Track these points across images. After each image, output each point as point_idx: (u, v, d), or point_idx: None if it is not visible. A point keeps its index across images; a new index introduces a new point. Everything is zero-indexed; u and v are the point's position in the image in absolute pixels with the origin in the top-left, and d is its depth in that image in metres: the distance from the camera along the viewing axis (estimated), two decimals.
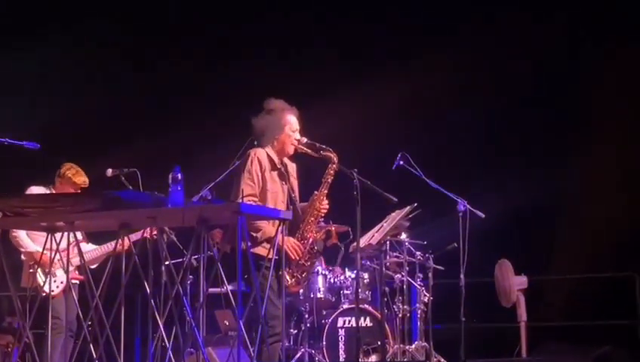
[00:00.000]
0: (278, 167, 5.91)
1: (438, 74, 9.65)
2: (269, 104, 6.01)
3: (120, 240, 5.44)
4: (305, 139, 5.97)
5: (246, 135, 6.05)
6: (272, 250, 5.40)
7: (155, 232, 5.41)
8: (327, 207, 5.99)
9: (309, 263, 5.93)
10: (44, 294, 6.25)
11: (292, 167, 6.08)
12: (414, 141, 8.75)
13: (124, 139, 9.28)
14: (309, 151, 5.96)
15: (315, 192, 5.97)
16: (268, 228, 5.71)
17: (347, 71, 9.73)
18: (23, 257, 6.62)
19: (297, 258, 5.81)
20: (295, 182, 6.07)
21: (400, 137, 9.21)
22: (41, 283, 6.39)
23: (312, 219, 5.94)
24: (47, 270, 6.20)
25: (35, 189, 6.67)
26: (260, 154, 5.87)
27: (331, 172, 5.94)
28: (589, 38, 9.72)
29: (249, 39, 9.95)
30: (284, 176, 5.92)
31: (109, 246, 6.70)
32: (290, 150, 5.98)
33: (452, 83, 9.80)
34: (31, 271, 6.43)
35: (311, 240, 5.92)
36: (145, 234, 5.58)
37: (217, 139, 8.39)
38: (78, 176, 6.76)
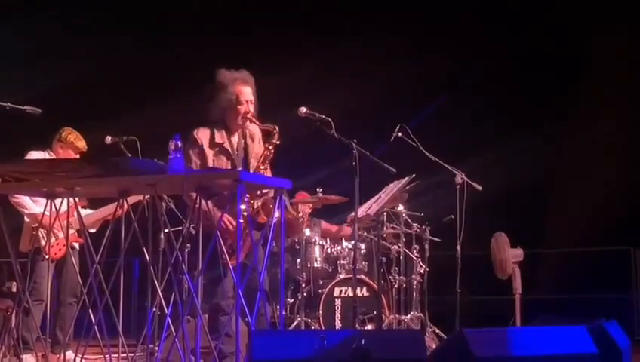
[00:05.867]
0: (219, 142, 5.74)
1: (436, 48, 9.69)
2: (219, 76, 5.81)
3: (119, 203, 5.43)
4: (249, 109, 5.77)
5: None
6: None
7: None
8: None
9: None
10: (46, 256, 6.29)
11: (254, 134, 5.90)
12: (412, 113, 8.78)
13: (124, 107, 9.28)
14: (256, 123, 5.75)
15: (261, 167, 5.77)
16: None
17: (350, 44, 9.76)
18: (26, 219, 6.61)
19: (231, 232, 5.52)
20: (258, 147, 5.88)
21: (398, 109, 9.23)
22: (43, 244, 6.43)
23: (251, 194, 5.68)
24: (47, 234, 6.22)
25: (35, 154, 6.64)
26: (199, 133, 5.73)
27: (270, 146, 5.72)
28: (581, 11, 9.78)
29: (248, 10, 9.98)
30: (227, 153, 5.77)
31: (107, 210, 6.71)
32: (240, 122, 5.80)
33: (449, 58, 9.83)
34: (34, 233, 6.43)
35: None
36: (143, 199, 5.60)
37: None
38: (79, 141, 6.78)
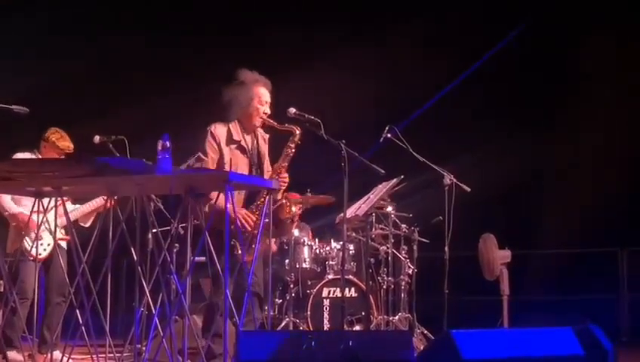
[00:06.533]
0: (236, 139, 5.81)
1: (425, 49, 9.70)
2: (240, 75, 5.89)
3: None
4: (267, 111, 5.88)
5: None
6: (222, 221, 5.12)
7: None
8: (287, 180, 5.87)
9: (256, 232, 5.70)
10: (31, 258, 6.26)
11: (265, 137, 6.00)
12: (400, 114, 8.79)
13: (112, 106, 9.26)
14: (275, 124, 5.86)
15: (274, 165, 5.87)
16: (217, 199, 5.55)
17: (350, 44, 9.77)
18: (13, 223, 6.59)
19: (250, 229, 5.60)
20: (266, 151, 6.00)
21: (388, 110, 9.24)
22: (28, 248, 6.40)
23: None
24: (34, 234, 6.19)
25: (21, 155, 6.61)
26: (216, 129, 5.80)
27: (292, 145, 5.81)
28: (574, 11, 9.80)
29: (240, 7, 9.96)
30: (244, 150, 5.84)
31: (95, 203, 6.68)
32: (257, 123, 5.88)
33: (437, 57, 9.84)
34: (23, 233, 6.40)
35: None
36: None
37: (206, 107, 8.38)
38: (62, 141, 6.68)
